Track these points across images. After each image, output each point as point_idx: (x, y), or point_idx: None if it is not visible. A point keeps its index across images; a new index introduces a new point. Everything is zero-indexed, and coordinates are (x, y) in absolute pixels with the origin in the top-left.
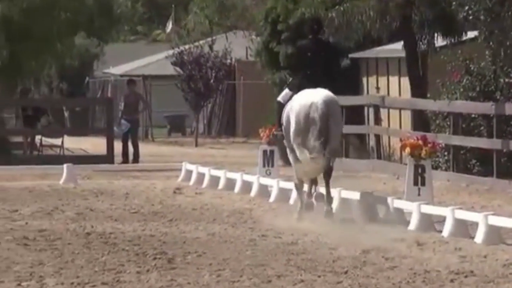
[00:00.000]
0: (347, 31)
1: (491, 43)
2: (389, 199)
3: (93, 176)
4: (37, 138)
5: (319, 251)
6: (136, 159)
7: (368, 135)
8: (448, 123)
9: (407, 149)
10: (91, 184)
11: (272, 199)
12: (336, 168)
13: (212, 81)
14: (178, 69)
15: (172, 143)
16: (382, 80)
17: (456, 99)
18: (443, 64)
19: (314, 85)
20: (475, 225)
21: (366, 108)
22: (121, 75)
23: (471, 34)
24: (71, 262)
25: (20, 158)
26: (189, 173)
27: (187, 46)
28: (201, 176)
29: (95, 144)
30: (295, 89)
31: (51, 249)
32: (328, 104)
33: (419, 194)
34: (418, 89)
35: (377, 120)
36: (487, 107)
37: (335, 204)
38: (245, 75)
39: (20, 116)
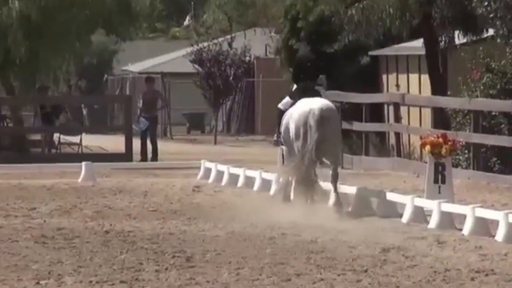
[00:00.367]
0: (367, 28)
1: (511, 40)
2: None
3: (111, 174)
4: (55, 136)
5: (339, 250)
6: (154, 157)
7: (388, 133)
8: (469, 121)
9: (427, 147)
10: (109, 182)
11: (291, 196)
12: (356, 167)
13: (231, 78)
14: (197, 66)
15: (191, 141)
16: (402, 78)
17: (477, 96)
18: (463, 62)
19: (314, 95)
20: (495, 223)
21: (386, 106)
22: (140, 73)
23: (492, 31)
24: (90, 260)
25: (39, 156)
26: (208, 171)
27: (206, 44)
28: (220, 174)
29: (113, 142)
30: (296, 97)
31: (70, 247)
32: (324, 111)
33: (439, 192)
34: (439, 87)
35: (397, 118)
36: (508, 105)
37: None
38: (264, 73)
39: (39, 114)
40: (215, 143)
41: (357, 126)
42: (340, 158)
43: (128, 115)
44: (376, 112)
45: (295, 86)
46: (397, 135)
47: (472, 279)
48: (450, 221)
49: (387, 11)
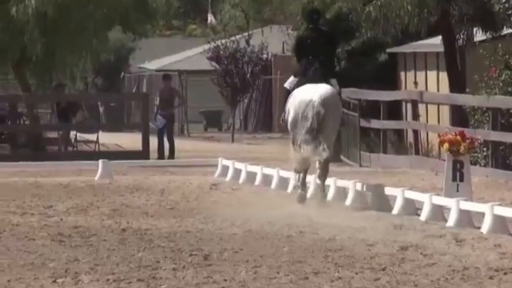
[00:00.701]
0: (385, 25)
1: None
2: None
3: (128, 172)
4: (72, 133)
5: (357, 248)
6: (171, 154)
7: (406, 130)
8: (487, 118)
9: (446, 145)
10: (126, 180)
11: (309, 195)
12: (375, 164)
13: (248, 76)
14: (214, 64)
15: (208, 139)
16: (420, 75)
17: (495, 94)
18: (482, 59)
19: (316, 69)
20: None
21: (404, 104)
22: (157, 70)
23: (511, 28)
24: (107, 258)
25: (55, 154)
26: (225, 169)
27: (223, 41)
28: (237, 172)
29: (130, 140)
30: (299, 75)
31: (86, 245)
32: (323, 102)
33: (457, 190)
34: (457, 84)
35: (415, 116)
36: None
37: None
38: (282, 70)
39: (55, 112)
40: (232, 141)
41: (375, 123)
42: (332, 148)
43: (145, 112)
44: (394, 110)
45: (292, 78)
46: (415, 133)
47: (491, 277)
48: (468, 219)
49: (405, 8)
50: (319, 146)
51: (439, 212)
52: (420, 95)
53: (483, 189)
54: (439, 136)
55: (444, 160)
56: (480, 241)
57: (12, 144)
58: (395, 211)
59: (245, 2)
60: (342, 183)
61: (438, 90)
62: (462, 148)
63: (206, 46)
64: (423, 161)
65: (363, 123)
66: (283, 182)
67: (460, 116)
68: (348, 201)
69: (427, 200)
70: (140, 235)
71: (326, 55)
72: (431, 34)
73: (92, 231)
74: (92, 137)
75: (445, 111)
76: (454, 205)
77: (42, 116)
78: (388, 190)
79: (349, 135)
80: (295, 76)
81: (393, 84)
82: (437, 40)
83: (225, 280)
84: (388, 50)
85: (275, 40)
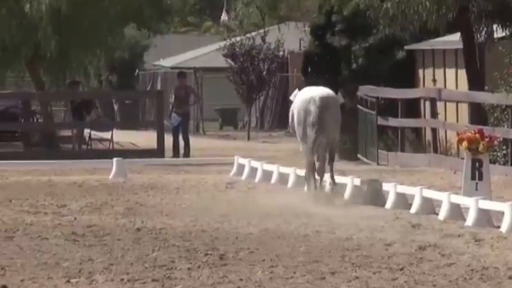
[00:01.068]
0: (403, 22)
1: None
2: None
3: (143, 170)
4: (86, 132)
5: (374, 247)
6: (187, 153)
7: (425, 129)
8: (507, 116)
9: (464, 143)
10: (141, 179)
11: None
12: (392, 163)
13: (264, 73)
14: (229, 61)
15: (224, 137)
16: (439, 73)
17: None
18: (501, 56)
19: (320, 85)
20: None
21: (422, 101)
22: (172, 67)
23: None
24: (121, 258)
25: (69, 153)
26: (241, 167)
27: (239, 38)
28: (253, 170)
29: (145, 138)
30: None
31: (101, 245)
32: (324, 99)
33: (476, 189)
34: (476, 82)
35: (434, 114)
36: None
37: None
38: (298, 68)
39: (69, 110)
40: (248, 139)
41: (392, 121)
42: (337, 142)
43: (160, 110)
44: (412, 108)
45: (296, 91)
46: (434, 131)
47: (510, 277)
48: (487, 218)
49: (423, 5)
50: (323, 138)
51: (457, 211)
52: (439, 92)
53: (502, 188)
54: (457, 134)
55: (462, 159)
56: (500, 241)
57: (25, 143)
58: (413, 210)
59: None
60: (358, 182)
61: (456, 87)
62: (481, 147)
63: (222, 43)
64: (442, 159)
65: (381, 121)
66: (300, 180)
67: (479, 114)
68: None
69: (445, 199)
70: (154, 235)
71: (330, 71)
72: (449, 30)
73: (106, 230)
74: (106, 135)
75: (464, 109)
76: (473, 204)
77: (56, 114)
78: (406, 189)
79: (366, 133)
80: (299, 90)
81: (411, 81)
82: (456, 37)
83: (241, 280)
84: (406, 47)
85: (292, 37)
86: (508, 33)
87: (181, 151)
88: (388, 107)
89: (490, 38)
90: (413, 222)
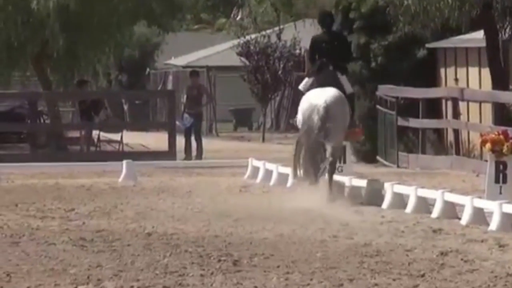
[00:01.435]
0: (424, 19)
1: None
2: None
3: (153, 173)
4: (95, 133)
5: (394, 253)
6: (199, 155)
7: (446, 129)
8: None
9: (488, 145)
10: (151, 182)
11: (345, 197)
12: (413, 165)
13: (280, 72)
14: (244, 59)
15: (238, 138)
16: (461, 71)
17: None
18: None
19: (329, 72)
20: None
21: (444, 101)
22: (184, 66)
23: None
24: (131, 264)
25: (77, 154)
26: (255, 170)
27: (253, 36)
28: (268, 173)
29: (156, 140)
30: (314, 75)
31: (110, 250)
32: (328, 108)
33: (500, 193)
34: (500, 81)
35: (456, 114)
36: None
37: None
38: None
39: (77, 110)
40: (263, 140)
41: (413, 122)
42: (341, 147)
43: (172, 111)
44: (433, 108)
45: (306, 79)
46: (456, 132)
47: None
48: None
49: (445, 1)
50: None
51: (481, 216)
52: (461, 92)
53: None
54: (481, 135)
55: (486, 161)
56: None
57: (31, 144)
58: (434, 214)
59: None
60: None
61: (480, 87)
62: (505, 148)
63: (236, 41)
64: (464, 161)
65: (401, 122)
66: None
67: (503, 115)
68: (385, 204)
69: (468, 203)
70: (166, 240)
71: (339, 56)
72: (472, 28)
73: (115, 235)
74: (115, 136)
75: (487, 109)
76: (496, 208)
77: (63, 114)
78: (427, 193)
79: (386, 134)
80: (309, 78)
81: (433, 81)
82: (479, 34)
83: (256, 287)
84: (427, 46)
85: (308, 35)
86: None
87: (194, 153)
88: (408, 107)
89: None
90: (434, 227)
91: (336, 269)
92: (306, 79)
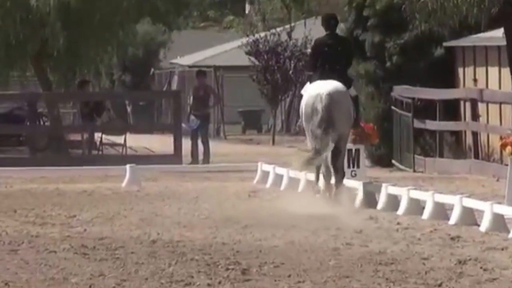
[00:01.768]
0: (441, 16)
1: None
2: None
3: (158, 178)
4: (97, 135)
5: (410, 261)
6: (206, 159)
7: (465, 132)
8: None
9: (508, 148)
10: (156, 187)
11: (357, 203)
12: (430, 169)
13: (291, 72)
14: (253, 59)
15: (247, 141)
16: (480, 71)
17: None
18: None
19: (331, 78)
20: None
21: (462, 103)
22: (190, 66)
23: None
24: (135, 273)
25: (78, 158)
26: (265, 174)
27: (263, 34)
28: (278, 178)
29: (161, 143)
30: (315, 80)
31: (113, 258)
32: (331, 95)
33: None
34: None
35: (475, 116)
36: None
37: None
38: None
39: (79, 112)
40: (273, 143)
41: (430, 124)
42: (346, 138)
43: (177, 112)
44: (451, 109)
45: (308, 85)
46: (475, 135)
47: None
48: None
49: None
50: (330, 141)
51: (501, 222)
52: (480, 93)
53: None
54: (501, 138)
55: (506, 165)
56: None
57: (31, 147)
58: (452, 221)
59: None
60: (394, 190)
61: (500, 87)
62: None
63: (244, 40)
64: (483, 165)
65: (417, 124)
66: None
67: None
68: (400, 210)
69: (487, 209)
70: (171, 248)
71: (342, 64)
72: (492, 26)
73: (118, 243)
74: (119, 139)
75: (508, 111)
76: None
77: (64, 116)
78: (445, 198)
79: (401, 137)
80: (310, 83)
81: (450, 81)
82: (499, 32)
83: None
84: (445, 44)
85: (320, 33)
86: None
87: (200, 156)
88: (425, 109)
89: None
90: (452, 234)
91: (349, 278)
92: (307, 84)
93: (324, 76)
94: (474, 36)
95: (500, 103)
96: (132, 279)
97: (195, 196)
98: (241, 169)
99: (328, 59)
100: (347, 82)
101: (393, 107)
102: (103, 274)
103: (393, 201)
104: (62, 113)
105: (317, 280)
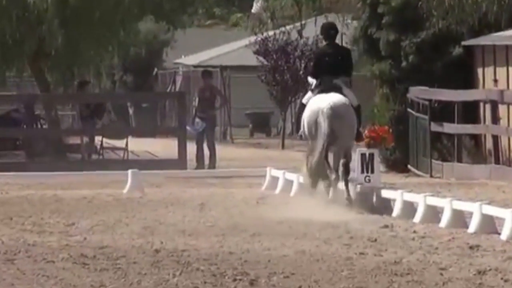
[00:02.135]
0: (460, 14)
1: None
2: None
3: (162, 183)
4: (97, 139)
5: (427, 272)
6: (212, 163)
7: (485, 136)
8: None
9: None
10: (160, 193)
11: (371, 210)
12: (448, 175)
13: (301, 72)
14: (261, 58)
15: (255, 145)
16: (501, 72)
17: None
18: None
19: (333, 87)
20: None
21: (482, 104)
22: (195, 66)
23: None
24: (137, 284)
25: (78, 163)
26: (274, 180)
27: (272, 32)
28: (288, 183)
29: (164, 147)
30: (316, 91)
31: (114, 269)
32: (334, 110)
33: None
34: None
35: (495, 118)
36: None
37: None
38: None
39: (78, 114)
40: (283, 147)
41: (448, 128)
42: (352, 153)
43: (182, 115)
44: (470, 112)
45: (309, 93)
46: (495, 139)
47: None
48: None
49: None
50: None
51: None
52: (501, 94)
53: None
54: None
55: None
56: None
57: (28, 152)
58: (471, 229)
59: None
60: (410, 197)
61: None
62: None
63: (252, 39)
64: (504, 171)
65: (434, 127)
66: (341, 195)
67: None
68: (417, 218)
69: (508, 216)
70: (175, 257)
71: (342, 73)
72: None
73: (120, 252)
74: (120, 143)
75: None
76: None
77: (62, 118)
78: (463, 205)
79: (418, 141)
80: (312, 92)
81: (469, 82)
82: None
83: None
84: (463, 43)
85: None
86: None
87: (206, 161)
88: (442, 111)
89: None
90: (471, 243)
91: None
92: (309, 93)
93: (325, 86)
94: (494, 34)
95: None
96: None
97: (201, 203)
98: (249, 175)
99: (328, 68)
100: (349, 92)
101: (409, 109)
102: (103, 285)
103: (409, 208)
104: (61, 115)
105: None
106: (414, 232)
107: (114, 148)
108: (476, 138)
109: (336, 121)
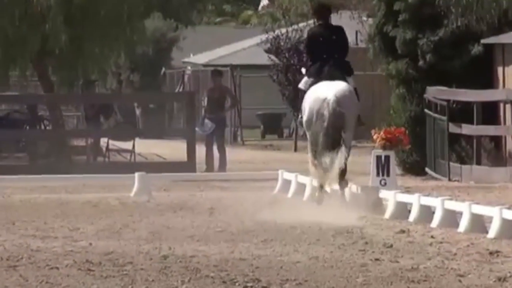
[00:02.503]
0: (479, 11)
1: None
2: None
3: (170, 187)
4: (103, 141)
5: (445, 279)
6: (222, 166)
7: (505, 137)
8: None
9: None
10: (168, 197)
11: (388, 215)
12: (466, 178)
13: None
14: (273, 57)
15: (266, 147)
16: None
17: None
18: None
19: (330, 69)
20: None
21: (502, 105)
22: (204, 65)
23: None
24: None
25: (83, 166)
26: (287, 183)
27: (284, 30)
28: (301, 187)
29: (172, 149)
30: (314, 75)
31: (120, 275)
32: (339, 100)
33: None
34: None
35: None
36: None
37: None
38: (354, 65)
39: (83, 115)
40: (295, 150)
41: (467, 129)
42: (351, 145)
43: (191, 116)
44: (490, 112)
45: (306, 78)
46: None
47: None
48: None
49: None
50: (337, 153)
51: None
52: None
53: None
54: None
55: None
56: None
57: (31, 154)
58: (491, 234)
59: None
60: (427, 201)
61: None
62: None
63: (264, 37)
64: None
65: (453, 128)
66: (356, 199)
67: None
68: (434, 223)
69: None
70: (184, 263)
71: (339, 52)
72: None
73: (126, 258)
74: (127, 145)
75: None
76: None
77: (67, 120)
78: (483, 209)
79: (435, 142)
80: (309, 77)
81: (489, 81)
82: None
83: None
84: (483, 41)
85: (346, 29)
86: None
87: (216, 164)
88: (461, 112)
89: None
90: (491, 249)
91: None
92: (305, 78)
93: (323, 68)
94: None
95: None
96: None
97: (210, 207)
98: (260, 178)
99: (324, 49)
100: (348, 71)
101: (426, 110)
102: None
103: (426, 213)
104: (65, 116)
105: None
106: (432, 237)
107: (120, 150)
108: (496, 140)
109: (340, 113)
